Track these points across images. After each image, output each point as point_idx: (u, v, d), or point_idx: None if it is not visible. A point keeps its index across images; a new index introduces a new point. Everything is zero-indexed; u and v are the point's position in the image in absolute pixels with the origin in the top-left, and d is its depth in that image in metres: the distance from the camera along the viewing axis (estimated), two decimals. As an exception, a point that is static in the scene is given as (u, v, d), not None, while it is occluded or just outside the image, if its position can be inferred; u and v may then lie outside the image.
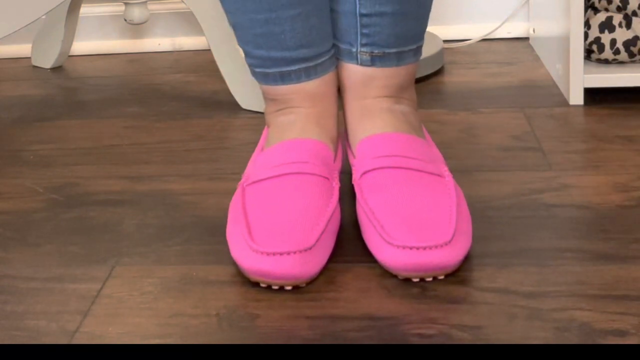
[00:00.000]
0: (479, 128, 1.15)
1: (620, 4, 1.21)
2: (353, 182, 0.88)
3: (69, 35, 1.54)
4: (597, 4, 1.24)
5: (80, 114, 1.31)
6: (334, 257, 0.83)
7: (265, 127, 0.98)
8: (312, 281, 0.80)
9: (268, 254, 0.77)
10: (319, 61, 0.92)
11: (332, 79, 0.94)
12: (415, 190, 0.84)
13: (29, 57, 1.60)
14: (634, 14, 1.21)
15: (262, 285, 0.79)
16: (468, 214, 0.85)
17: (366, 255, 0.83)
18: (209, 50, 1.34)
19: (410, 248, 0.77)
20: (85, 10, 1.61)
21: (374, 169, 0.87)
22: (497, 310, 0.75)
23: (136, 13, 1.47)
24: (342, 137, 0.98)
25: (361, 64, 0.92)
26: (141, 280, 0.83)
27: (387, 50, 0.91)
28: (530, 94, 1.27)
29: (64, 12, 1.51)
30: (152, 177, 1.07)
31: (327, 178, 0.87)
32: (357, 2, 0.90)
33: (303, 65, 0.91)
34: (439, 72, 1.40)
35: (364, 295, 0.78)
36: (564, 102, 1.23)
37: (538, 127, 1.14)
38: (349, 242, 0.87)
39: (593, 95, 1.22)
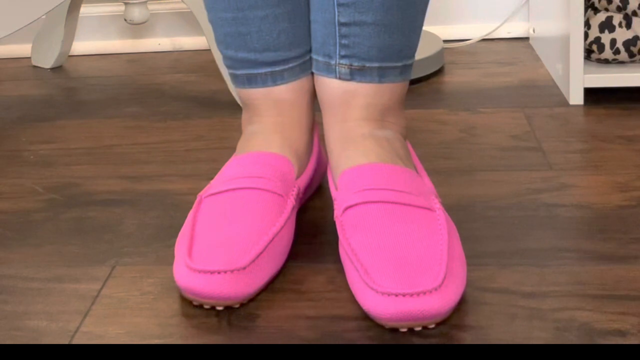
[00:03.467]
0: (479, 128, 1.15)
1: (620, 4, 1.21)
2: (335, 219, 0.82)
3: (69, 35, 1.54)
4: (597, 4, 1.24)
5: (80, 114, 1.31)
6: (333, 257, 0.83)
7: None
8: (249, 300, 0.77)
9: (198, 271, 0.75)
10: (287, 66, 0.88)
11: (302, 87, 0.90)
12: (402, 227, 0.77)
13: (29, 57, 1.60)
14: (634, 14, 1.21)
15: (195, 303, 0.77)
16: (461, 252, 0.78)
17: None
18: (209, 50, 1.34)
19: (396, 295, 0.70)
20: (85, 10, 1.61)
21: (356, 204, 0.80)
22: (497, 310, 0.75)
23: (136, 13, 1.47)
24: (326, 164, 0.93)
25: (340, 78, 0.86)
26: (141, 280, 0.83)
27: (367, 64, 0.85)
28: (530, 94, 1.27)
29: (64, 12, 1.51)
30: (152, 177, 1.07)
31: (281, 195, 0.84)
32: (336, 10, 0.84)
33: (269, 70, 0.89)
34: (439, 72, 1.40)
35: (364, 295, 0.78)
36: (564, 102, 1.23)
37: (538, 127, 1.14)
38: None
39: (593, 95, 1.22)
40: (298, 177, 0.88)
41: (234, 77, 0.92)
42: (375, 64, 0.85)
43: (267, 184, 0.84)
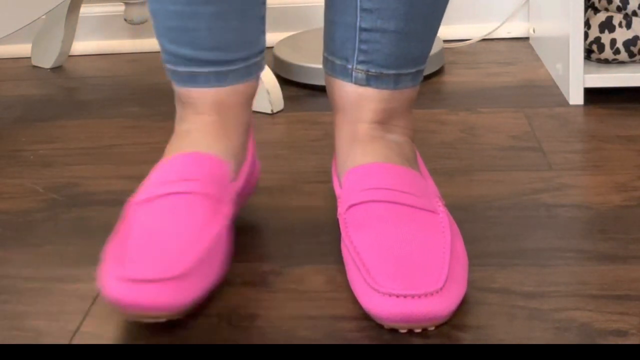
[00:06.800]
0: (479, 128, 1.15)
1: (620, 4, 1.21)
2: (338, 216, 0.82)
3: (69, 35, 1.54)
4: (597, 4, 1.24)
5: (80, 114, 1.31)
6: (333, 257, 0.83)
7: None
8: (185, 311, 0.74)
9: (132, 280, 0.70)
10: (232, 68, 0.85)
11: (244, 90, 0.87)
12: (405, 228, 0.77)
13: (29, 57, 1.60)
14: (634, 14, 1.21)
15: (130, 319, 0.73)
16: (464, 255, 0.79)
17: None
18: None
19: (397, 296, 0.70)
20: (85, 10, 1.61)
21: (360, 203, 0.80)
22: (497, 310, 0.75)
23: (136, 13, 1.47)
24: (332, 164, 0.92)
25: (355, 83, 0.85)
26: (141, 280, 0.83)
27: (384, 71, 0.85)
28: (530, 94, 1.27)
29: (64, 12, 1.51)
30: (152, 177, 1.07)
31: (216, 199, 0.80)
32: (359, 15, 0.83)
33: (213, 69, 0.84)
34: (439, 72, 1.40)
35: (364, 295, 0.78)
36: (564, 102, 1.23)
37: (538, 127, 1.14)
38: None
39: (593, 95, 1.22)
40: (234, 180, 0.85)
41: (174, 74, 0.87)
42: (392, 71, 0.85)
43: (201, 187, 0.80)
